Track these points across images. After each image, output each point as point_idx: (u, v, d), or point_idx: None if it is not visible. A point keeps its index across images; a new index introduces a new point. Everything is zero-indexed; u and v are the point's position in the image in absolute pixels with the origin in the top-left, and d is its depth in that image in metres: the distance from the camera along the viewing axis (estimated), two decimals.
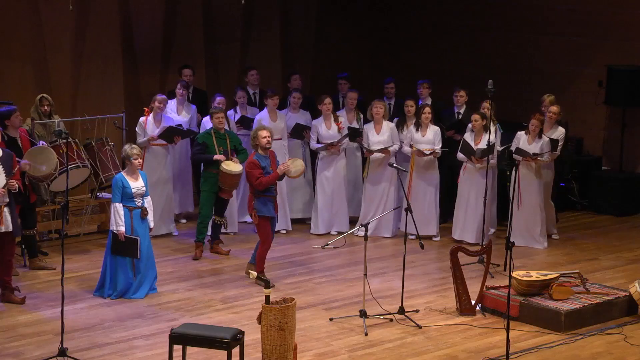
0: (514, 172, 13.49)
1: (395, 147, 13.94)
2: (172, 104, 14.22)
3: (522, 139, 13.59)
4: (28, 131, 12.51)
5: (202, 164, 13.30)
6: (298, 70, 16.07)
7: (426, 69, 17.31)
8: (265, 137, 11.82)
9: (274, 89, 14.53)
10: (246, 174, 11.95)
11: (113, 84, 15.65)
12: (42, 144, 12.27)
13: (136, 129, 13.73)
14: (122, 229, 11.39)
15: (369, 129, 13.99)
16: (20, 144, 12.07)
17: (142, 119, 13.68)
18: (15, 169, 11.06)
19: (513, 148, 13.61)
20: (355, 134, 14.00)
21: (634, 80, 15.41)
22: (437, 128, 13.89)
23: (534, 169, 13.54)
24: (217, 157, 12.93)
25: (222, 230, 13.51)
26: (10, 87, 14.64)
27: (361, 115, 14.33)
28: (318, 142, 14.12)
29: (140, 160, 11.79)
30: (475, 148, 13.49)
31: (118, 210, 11.43)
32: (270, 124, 13.94)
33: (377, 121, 13.93)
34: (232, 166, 13.01)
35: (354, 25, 18.48)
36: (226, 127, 13.50)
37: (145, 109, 13.82)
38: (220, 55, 16.87)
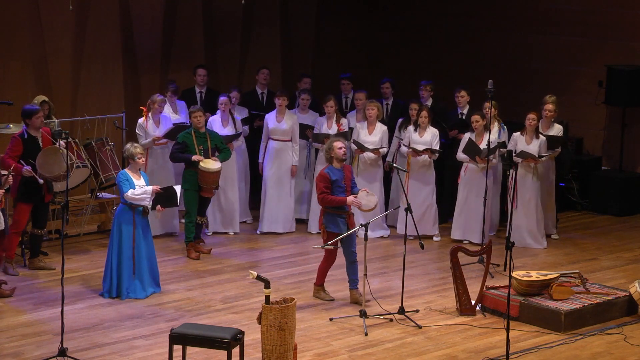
0: (512, 172, 13.48)
1: (385, 149, 13.95)
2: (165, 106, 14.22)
3: (519, 140, 13.56)
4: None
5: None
6: (298, 70, 16.06)
7: (426, 69, 17.31)
8: (341, 148, 11.33)
9: (284, 90, 14.52)
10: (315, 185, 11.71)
11: (113, 84, 15.65)
12: (61, 145, 12.22)
13: (137, 130, 13.72)
14: (150, 188, 11.42)
15: (362, 128, 13.98)
16: (41, 144, 12.06)
17: (141, 120, 13.69)
18: (4, 179, 11.08)
19: (513, 150, 13.57)
20: (346, 135, 13.96)
21: (634, 80, 15.41)
22: (435, 130, 13.87)
23: (532, 169, 13.53)
24: (195, 157, 12.94)
25: (204, 230, 13.60)
26: (10, 87, 14.65)
27: None
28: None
29: (144, 159, 11.79)
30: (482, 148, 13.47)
31: (135, 192, 11.41)
32: (274, 124, 13.97)
33: (370, 122, 13.92)
34: (210, 164, 13.02)
35: (354, 25, 18.48)
36: (221, 126, 13.64)
37: (142, 108, 13.81)
38: (220, 55, 16.87)
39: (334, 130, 14.07)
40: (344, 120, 14.20)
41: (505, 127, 14.07)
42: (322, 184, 11.26)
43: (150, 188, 11.48)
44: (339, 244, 11.29)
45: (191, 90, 14.99)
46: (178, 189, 11.92)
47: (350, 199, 11.26)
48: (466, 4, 17.60)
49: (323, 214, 11.37)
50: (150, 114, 13.66)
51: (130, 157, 11.60)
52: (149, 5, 15.99)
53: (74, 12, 14.69)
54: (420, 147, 13.69)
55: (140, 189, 11.44)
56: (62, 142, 12.17)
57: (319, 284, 11.67)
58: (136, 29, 15.88)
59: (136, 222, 11.50)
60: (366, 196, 11.41)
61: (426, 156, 13.74)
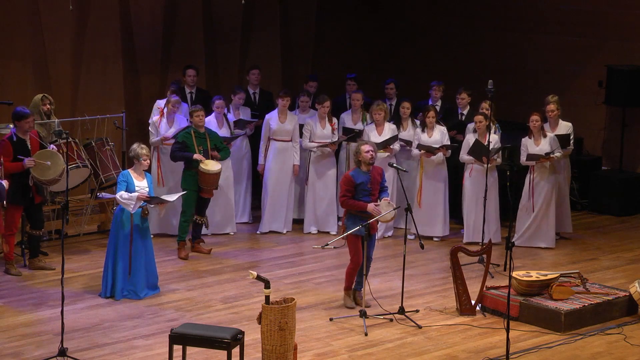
0: (528, 175, 13.46)
1: (397, 147, 13.95)
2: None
3: (529, 145, 13.50)
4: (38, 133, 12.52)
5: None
6: (298, 70, 16.06)
7: (426, 69, 17.32)
8: (368, 152, 11.19)
9: (287, 90, 14.51)
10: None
11: (113, 84, 15.65)
12: (52, 148, 12.26)
13: (149, 128, 13.73)
14: (135, 194, 11.36)
15: (370, 130, 13.99)
16: (29, 146, 12.07)
17: (155, 118, 13.69)
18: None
19: (523, 157, 13.51)
20: (356, 136, 13.96)
21: (634, 80, 15.41)
22: (443, 128, 13.94)
23: (548, 170, 13.46)
24: (196, 156, 12.93)
25: (203, 229, 13.56)
26: (10, 87, 14.65)
27: (367, 115, 14.30)
28: (310, 140, 14.13)
29: (149, 161, 11.75)
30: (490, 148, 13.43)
31: (122, 195, 11.38)
32: (278, 125, 13.97)
33: (378, 123, 13.94)
34: (211, 165, 13.01)
35: (354, 25, 18.48)
36: (221, 126, 13.66)
37: (159, 107, 13.81)
38: (220, 55, 16.87)
39: (327, 129, 14.09)
40: (334, 119, 14.23)
41: (499, 127, 14.06)
42: (345, 187, 11.18)
43: (136, 195, 11.43)
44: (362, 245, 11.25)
45: (181, 91, 14.94)
46: (174, 196, 11.94)
47: (370, 206, 11.13)
48: (466, 4, 17.60)
49: (346, 215, 11.29)
50: (165, 114, 13.66)
51: (135, 157, 11.57)
52: (149, 5, 15.99)
53: (74, 12, 14.69)
54: (436, 146, 13.71)
55: (127, 193, 11.40)
56: (53, 146, 12.22)
57: (346, 287, 11.45)
58: (136, 29, 15.88)
59: (134, 223, 11.48)
60: (386, 206, 11.25)
61: (441, 154, 13.77)
